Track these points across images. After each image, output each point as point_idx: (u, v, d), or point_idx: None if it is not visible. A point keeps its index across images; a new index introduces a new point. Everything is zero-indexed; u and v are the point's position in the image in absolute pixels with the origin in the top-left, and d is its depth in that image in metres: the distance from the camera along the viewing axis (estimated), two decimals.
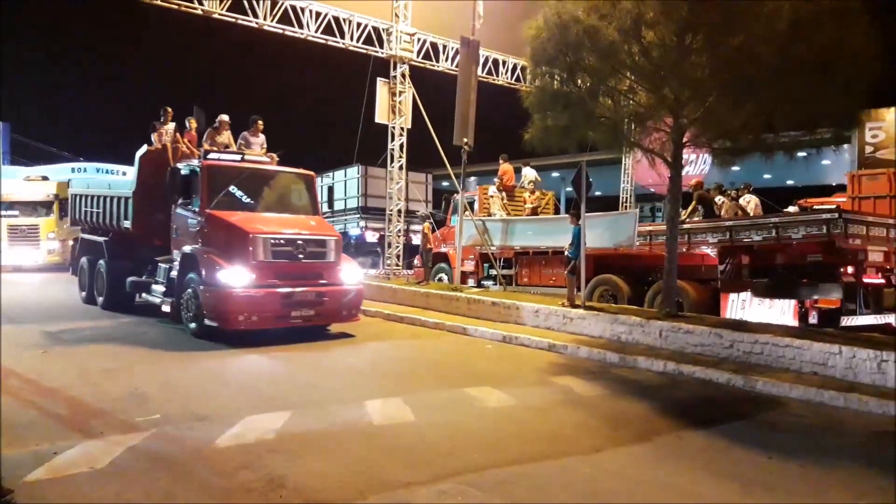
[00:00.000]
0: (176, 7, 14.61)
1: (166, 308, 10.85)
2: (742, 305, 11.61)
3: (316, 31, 16.43)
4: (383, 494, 4.41)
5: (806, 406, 7.11)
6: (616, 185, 25.19)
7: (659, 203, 30.33)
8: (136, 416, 5.90)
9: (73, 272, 14.72)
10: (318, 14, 16.38)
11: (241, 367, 8.42)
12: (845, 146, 19.35)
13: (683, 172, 10.53)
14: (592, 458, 5.30)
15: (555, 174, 33.08)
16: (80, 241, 14.61)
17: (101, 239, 13.27)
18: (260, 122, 12.29)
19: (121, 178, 13.06)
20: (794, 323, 10.90)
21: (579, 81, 9.96)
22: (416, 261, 18.61)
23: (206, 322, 9.67)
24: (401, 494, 4.42)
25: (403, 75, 17.94)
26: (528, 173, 17.12)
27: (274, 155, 11.91)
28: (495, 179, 17.15)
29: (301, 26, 16.20)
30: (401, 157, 18.27)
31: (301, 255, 10.00)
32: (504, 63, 19.91)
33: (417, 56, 18.25)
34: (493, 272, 15.69)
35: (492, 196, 16.34)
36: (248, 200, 10.63)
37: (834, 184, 27.15)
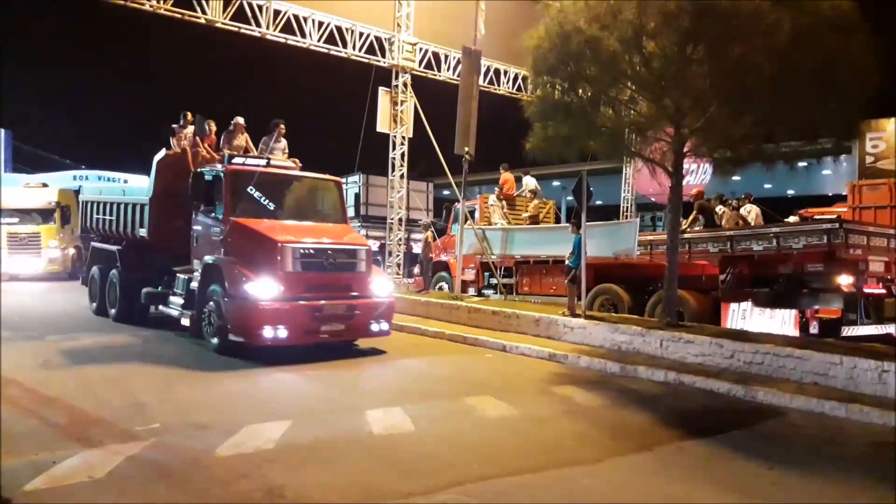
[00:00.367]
0: (179, 16, 14.67)
1: (185, 321, 10.27)
2: (743, 315, 11.59)
3: (319, 41, 16.49)
4: None
5: (807, 416, 7.09)
6: (617, 194, 25.22)
7: (660, 212, 30.40)
8: (136, 425, 5.89)
9: (84, 282, 14.13)
10: (320, 23, 16.45)
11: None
12: (846, 156, 19.42)
13: (684, 182, 10.54)
14: (593, 468, 5.29)
15: (555, 183, 33.13)
16: (91, 250, 14.06)
17: (113, 248, 12.67)
18: (282, 125, 11.82)
19: (136, 185, 12.40)
20: (794, 333, 10.88)
21: (580, 91, 9.99)
22: (416, 269, 18.62)
23: (231, 337, 9.12)
24: None
25: (405, 84, 18.00)
26: (529, 182, 17.15)
27: (297, 160, 11.44)
28: (496, 188, 17.17)
29: (304, 35, 16.27)
30: (402, 165, 18.30)
31: (331, 266, 9.45)
32: (505, 72, 19.97)
33: (419, 65, 18.32)
34: (494, 281, 15.69)
35: (492, 205, 16.36)
36: (274, 207, 10.09)
37: (833, 194, 27.20)
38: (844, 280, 10.44)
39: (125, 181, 38.31)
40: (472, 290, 16.28)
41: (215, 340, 9.42)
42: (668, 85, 9.33)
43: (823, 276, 10.53)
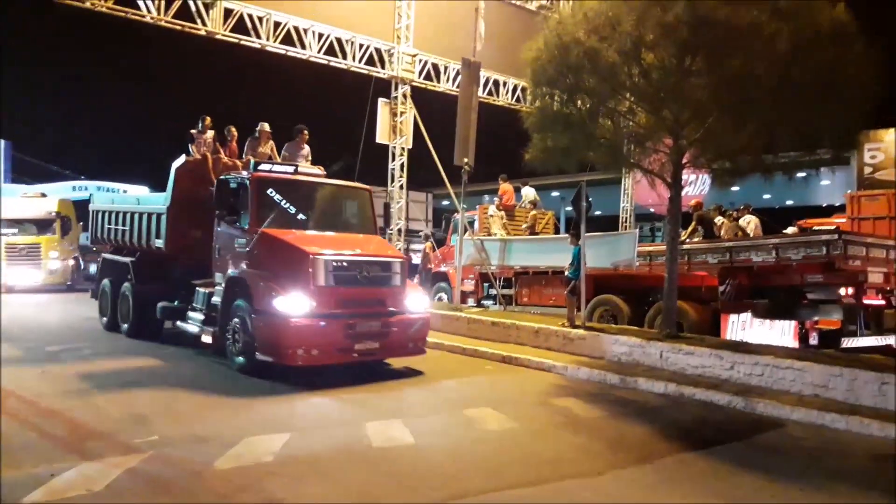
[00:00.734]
0: (179, 28, 14.73)
1: (207, 339, 9.59)
2: (742, 326, 11.59)
3: (318, 52, 16.55)
4: None
5: (807, 428, 7.07)
6: (616, 204, 25.25)
7: (659, 223, 30.40)
8: (135, 437, 5.87)
9: (93, 295, 13.49)
10: (320, 35, 16.52)
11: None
12: (844, 167, 19.48)
13: (683, 193, 10.57)
14: (593, 481, 5.26)
15: (554, 193, 33.19)
16: (102, 262, 13.50)
17: (126, 259, 12.06)
18: (305, 131, 11.38)
19: (152, 194, 12.03)
20: (794, 344, 10.88)
21: (579, 103, 10.02)
22: (416, 280, 18.62)
23: (258, 356, 8.47)
24: None
25: (405, 95, 18.06)
26: (528, 193, 17.18)
27: (321, 167, 10.91)
28: (495, 199, 17.21)
29: (304, 47, 16.33)
30: (401, 176, 18.34)
31: (364, 280, 8.83)
32: (504, 84, 20.04)
33: (419, 77, 18.38)
34: (493, 292, 15.68)
35: (492, 215, 16.37)
36: (302, 217, 9.52)
37: (831, 204, 27.26)
38: (844, 291, 10.45)
39: (124, 191, 38.45)
40: (471, 301, 16.28)
41: (240, 359, 8.83)
42: (666, 96, 9.37)
43: (823, 287, 10.55)
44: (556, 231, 17.51)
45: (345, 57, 17.02)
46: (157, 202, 11.36)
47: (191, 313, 10.34)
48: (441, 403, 7.76)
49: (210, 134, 11.45)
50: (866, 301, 10.72)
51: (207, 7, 14.85)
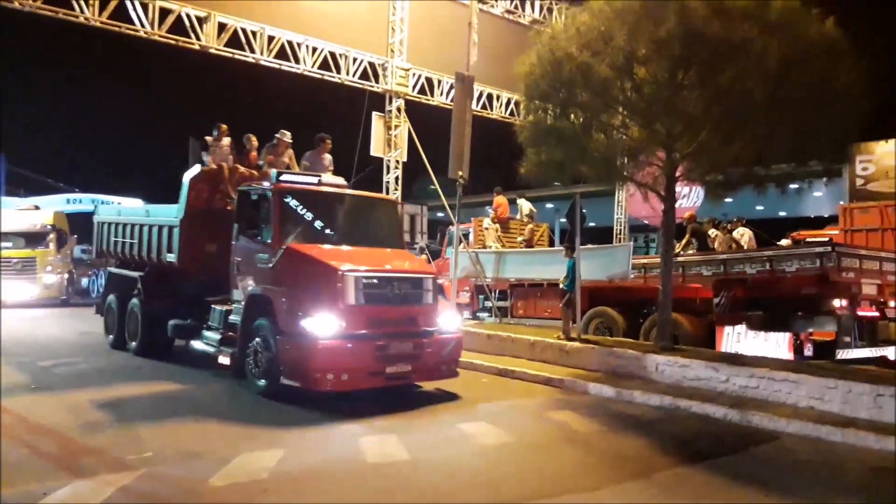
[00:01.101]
0: (174, 42, 14.77)
1: (224, 360, 9.03)
2: (737, 338, 11.60)
3: (312, 66, 16.61)
4: None
5: (803, 441, 7.07)
6: (610, 215, 25.34)
7: (652, 234, 30.52)
8: (128, 453, 5.82)
9: (98, 311, 12.86)
10: (314, 49, 16.58)
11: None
12: (837, 178, 19.61)
13: (676, 205, 10.62)
14: (592, 496, 5.24)
15: (549, 205, 33.27)
16: (108, 277, 12.94)
17: (134, 274, 11.51)
18: (328, 140, 10.83)
19: (162, 206, 11.42)
20: (789, 355, 10.89)
21: (572, 117, 10.09)
22: None
23: (283, 381, 7.94)
24: None
25: (399, 109, 18.12)
26: (524, 205, 17.22)
27: (343, 178, 10.35)
28: (489, 211, 17.25)
29: (298, 61, 16.38)
30: (396, 189, 18.36)
31: (396, 298, 8.31)
32: (498, 97, 20.14)
33: (413, 90, 18.45)
34: (489, 304, 15.67)
35: (487, 228, 16.40)
36: (327, 231, 8.93)
37: (820, 216, 27.42)
38: (838, 303, 10.49)
39: (118, 203, 38.33)
40: (466, 314, 16.26)
41: (262, 383, 8.26)
42: (659, 110, 9.44)
43: (817, 299, 10.59)
44: (551, 243, 17.55)
45: (339, 71, 17.08)
46: (168, 214, 10.75)
47: (206, 332, 9.75)
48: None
49: (226, 142, 10.87)
50: (860, 312, 10.79)
51: (201, 22, 14.90)
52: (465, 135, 14.99)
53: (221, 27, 15.14)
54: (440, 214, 25.26)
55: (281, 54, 16.12)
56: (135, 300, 11.33)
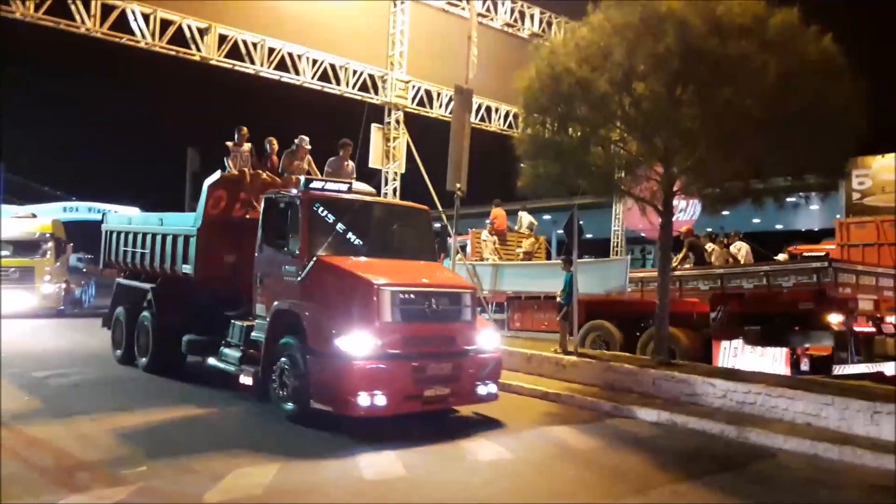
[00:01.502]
0: (174, 53, 14.82)
1: (246, 380, 8.45)
2: (734, 353, 11.61)
3: (312, 78, 16.67)
4: None
5: (800, 458, 7.06)
6: (607, 228, 25.34)
7: (649, 245, 30.54)
8: (123, 468, 5.78)
9: (105, 324, 12.20)
10: (314, 61, 16.64)
11: None
12: (833, 192, 19.69)
13: (674, 219, 10.65)
14: None
15: (546, 217, 33.30)
16: (116, 288, 12.22)
17: (146, 286, 10.91)
18: (350, 145, 10.50)
19: (178, 214, 10.96)
20: (785, 370, 10.90)
21: (571, 130, 10.12)
22: None
23: (314, 404, 7.43)
24: None
25: (398, 121, 18.17)
26: (525, 218, 17.25)
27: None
28: (486, 223, 17.27)
29: (297, 73, 16.44)
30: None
31: (433, 314, 7.73)
32: (497, 110, 20.20)
33: (412, 102, 18.51)
34: (486, 317, 15.63)
35: (484, 240, 16.40)
36: (358, 242, 8.40)
37: (811, 229, 27.52)
38: (834, 318, 10.52)
39: (115, 212, 38.25)
40: None
41: (289, 406, 7.66)
42: (657, 125, 9.47)
43: (814, 315, 10.61)
44: (548, 256, 17.55)
45: (338, 83, 17.13)
46: (184, 223, 10.21)
47: (224, 349, 9.15)
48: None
49: (247, 147, 10.33)
50: (857, 328, 10.80)
51: (202, 33, 14.96)
52: (464, 147, 15.04)
53: (222, 38, 15.19)
54: (437, 226, 25.29)
55: (281, 66, 16.18)
56: (146, 313, 10.74)
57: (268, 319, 8.23)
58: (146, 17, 14.27)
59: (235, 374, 8.71)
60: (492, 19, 19.51)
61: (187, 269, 9.83)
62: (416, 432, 7.33)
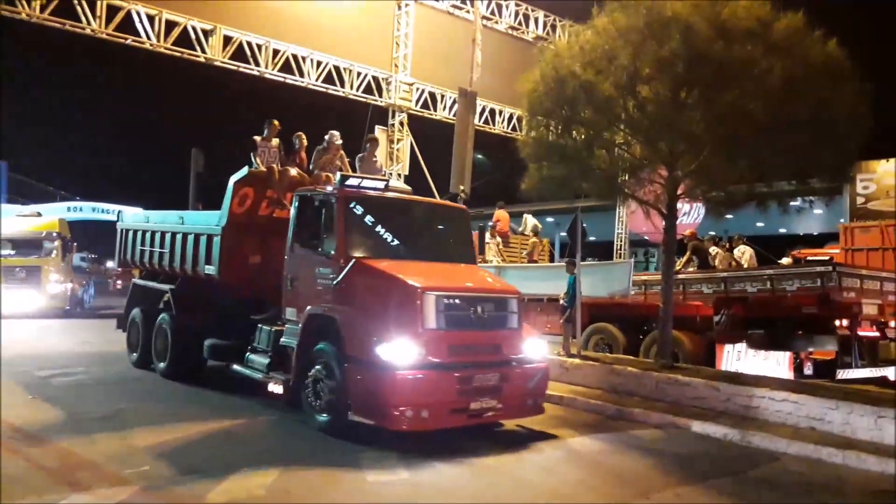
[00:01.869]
0: (179, 54, 14.87)
1: (276, 388, 7.98)
2: (737, 356, 11.59)
3: (317, 80, 16.74)
4: None
5: (804, 462, 7.04)
6: (610, 230, 25.36)
7: (653, 248, 30.53)
8: (125, 467, 5.78)
9: (120, 326, 11.75)
10: (318, 63, 16.71)
11: None
12: (837, 196, 19.69)
13: (677, 222, 10.64)
14: None
15: (549, 219, 33.32)
16: (132, 289, 11.83)
17: (165, 287, 10.51)
18: (378, 141, 10.09)
19: (200, 212, 10.52)
20: (789, 375, 10.88)
21: (575, 133, 10.13)
22: None
23: (352, 417, 7.06)
24: None
25: (402, 123, 18.21)
26: (529, 220, 17.27)
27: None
28: (489, 225, 17.29)
29: (302, 75, 16.51)
30: None
31: (478, 321, 7.28)
32: (500, 112, 20.24)
33: (416, 105, 18.56)
34: None
35: (487, 242, 16.40)
36: (396, 243, 7.93)
37: (810, 233, 27.44)
38: (838, 323, 10.49)
39: (119, 212, 38.31)
40: None
41: (324, 417, 7.19)
42: (661, 129, 9.47)
43: (818, 319, 10.59)
44: (551, 258, 17.56)
45: (343, 85, 17.21)
46: (207, 221, 9.74)
47: (251, 355, 8.68)
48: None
49: (275, 142, 9.71)
50: (861, 332, 10.78)
51: (207, 35, 15.02)
52: (468, 149, 15.08)
53: (227, 40, 15.27)
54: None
55: (285, 68, 16.26)
56: (164, 315, 10.28)
57: (300, 324, 7.72)
58: (151, 19, 14.35)
59: (264, 381, 8.23)
60: (496, 22, 19.56)
61: (210, 269, 9.40)
62: (422, 435, 7.32)
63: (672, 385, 9.37)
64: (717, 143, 9.18)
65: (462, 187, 15.12)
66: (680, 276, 11.85)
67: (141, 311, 11.00)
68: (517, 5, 20.09)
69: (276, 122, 9.71)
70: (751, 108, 8.63)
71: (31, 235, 20.17)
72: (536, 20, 20.46)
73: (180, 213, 10.78)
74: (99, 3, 13.73)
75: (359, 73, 17.44)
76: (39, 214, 23.24)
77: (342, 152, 9.81)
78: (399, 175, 18.27)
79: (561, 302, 11.81)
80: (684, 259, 12.87)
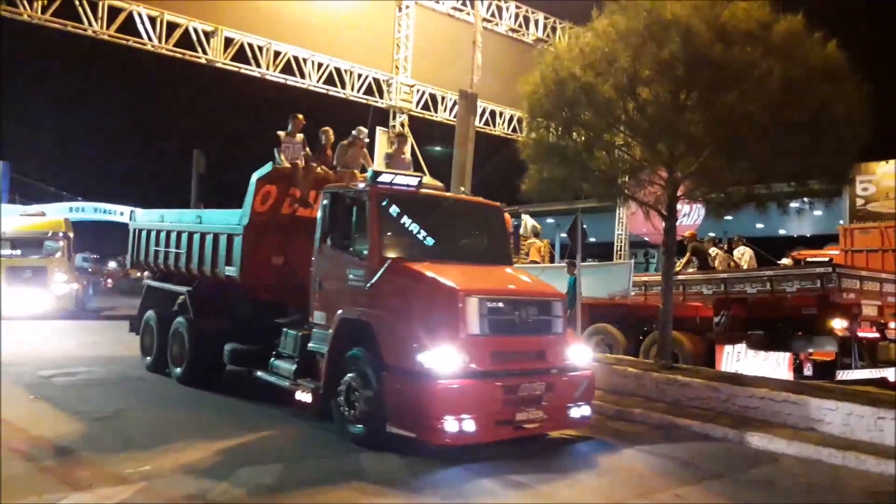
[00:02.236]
0: (180, 56, 14.91)
1: (304, 396, 7.53)
2: (737, 357, 11.60)
3: (317, 81, 16.78)
4: None
5: (803, 463, 7.05)
6: (610, 231, 25.38)
7: (653, 249, 30.56)
8: (126, 467, 5.80)
9: (133, 329, 11.40)
10: (319, 65, 16.75)
11: None
12: (836, 198, 19.72)
13: (677, 223, 10.67)
14: None
15: (549, 220, 33.34)
16: (146, 291, 11.43)
17: (181, 289, 10.10)
18: (407, 137, 9.59)
19: (219, 210, 10.07)
20: (789, 375, 10.89)
21: (575, 135, 10.15)
22: None
23: (390, 428, 6.66)
24: None
25: (402, 125, 18.23)
26: (528, 221, 17.28)
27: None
28: None
29: (303, 76, 16.55)
30: None
31: (523, 326, 6.91)
32: (501, 114, 20.28)
33: (417, 106, 18.60)
34: None
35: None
36: (431, 243, 7.51)
37: (804, 234, 27.45)
38: (838, 324, 10.51)
39: (121, 213, 38.42)
40: None
41: (358, 428, 6.76)
42: (661, 131, 9.48)
43: (817, 320, 10.61)
44: (551, 259, 17.57)
45: (343, 86, 17.25)
46: (227, 221, 9.31)
47: (276, 361, 8.25)
48: None
49: (300, 137, 9.27)
50: (861, 333, 10.79)
51: (208, 36, 15.06)
52: (468, 151, 15.09)
53: (228, 42, 15.31)
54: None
55: (286, 69, 16.30)
56: (181, 319, 9.84)
57: (331, 329, 7.31)
58: (153, 20, 14.39)
59: (290, 388, 7.80)
60: (496, 24, 19.60)
61: (231, 271, 8.99)
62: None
63: (672, 386, 9.38)
64: (716, 144, 9.20)
65: (463, 188, 15.11)
66: (680, 278, 11.88)
67: (155, 313, 10.66)
68: (517, 7, 20.12)
69: (300, 116, 9.32)
70: (750, 110, 8.65)
71: (38, 235, 19.75)
72: (537, 22, 20.49)
73: (198, 212, 10.39)
74: (100, 4, 13.76)
75: (360, 75, 17.49)
76: (43, 214, 23.16)
77: (366, 150, 9.53)
78: None
79: None
80: (684, 260, 12.89)
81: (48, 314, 18.28)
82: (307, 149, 9.24)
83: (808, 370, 10.94)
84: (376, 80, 17.84)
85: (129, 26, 14.20)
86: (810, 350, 10.91)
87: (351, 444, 6.73)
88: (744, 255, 13.45)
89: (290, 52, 16.20)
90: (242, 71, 15.79)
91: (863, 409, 7.58)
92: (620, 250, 24.59)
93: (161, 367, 10.20)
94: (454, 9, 18.79)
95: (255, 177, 8.82)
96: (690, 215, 21.51)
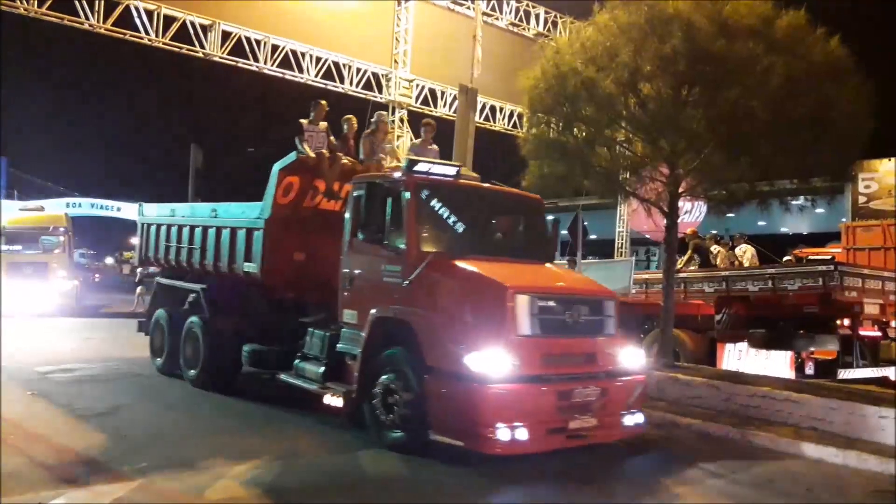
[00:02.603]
0: (177, 50, 14.82)
1: (335, 400, 7.01)
2: (738, 356, 11.57)
3: (316, 76, 16.69)
4: None
5: (805, 462, 7.01)
6: (611, 229, 25.29)
7: (654, 247, 30.51)
8: (123, 464, 5.74)
9: (143, 329, 10.84)
10: (318, 59, 16.65)
11: None
12: (838, 195, 19.67)
13: (679, 220, 10.61)
14: None
15: (550, 217, 33.24)
16: (156, 289, 10.88)
17: (195, 287, 9.54)
18: (433, 125, 9.22)
19: (236, 204, 9.49)
20: (790, 374, 10.85)
21: (576, 131, 10.09)
22: None
23: (433, 436, 6.23)
24: None
25: (402, 120, 18.15)
26: None
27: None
28: None
29: (301, 71, 16.46)
30: None
31: (574, 327, 6.45)
32: (501, 109, 20.19)
33: (416, 101, 18.51)
34: None
35: None
36: (471, 237, 7.15)
37: (816, 231, 27.37)
38: (840, 322, 10.46)
39: (118, 209, 38.37)
40: None
41: (396, 434, 6.34)
42: (663, 127, 9.42)
43: (819, 318, 10.56)
44: None
45: (342, 81, 17.15)
46: (247, 214, 8.84)
47: (302, 363, 7.71)
48: None
49: (324, 125, 8.71)
50: (862, 332, 10.75)
51: (206, 30, 14.97)
52: (468, 147, 15.00)
53: (226, 35, 15.22)
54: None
55: (284, 63, 16.21)
56: (195, 318, 9.25)
57: (365, 329, 6.83)
58: (150, 14, 14.30)
59: (318, 392, 7.29)
60: (497, 18, 19.48)
61: (251, 267, 8.53)
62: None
63: (673, 384, 9.33)
64: (718, 141, 9.14)
65: None
66: (681, 275, 11.81)
67: (166, 312, 10.10)
68: (518, 2, 20.01)
69: (323, 103, 8.78)
70: (752, 106, 8.58)
71: (38, 230, 19.55)
72: (537, 16, 20.38)
73: (213, 206, 9.88)
74: None
75: (358, 70, 17.39)
76: (42, 209, 23.09)
77: (390, 137, 8.88)
78: None
79: None
80: (685, 258, 12.83)
81: (49, 311, 17.86)
82: (331, 137, 8.72)
83: (809, 369, 10.91)
84: (375, 75, 17.75)
85: (126, 20, 14.11)
86: (812, 349, 10.87)
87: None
88: (745, 252, 13.39)
89: (288, 46, 16.11)
90: (240, 65, 15.70)
91: (865, 408, 7.53)
92: (621, 247, 24.50)
93: (173, 369, 9.71)
94: (454, 2, 18.68)
95: (276, 167, 8.33)
96: (692, 212, 21.35)
